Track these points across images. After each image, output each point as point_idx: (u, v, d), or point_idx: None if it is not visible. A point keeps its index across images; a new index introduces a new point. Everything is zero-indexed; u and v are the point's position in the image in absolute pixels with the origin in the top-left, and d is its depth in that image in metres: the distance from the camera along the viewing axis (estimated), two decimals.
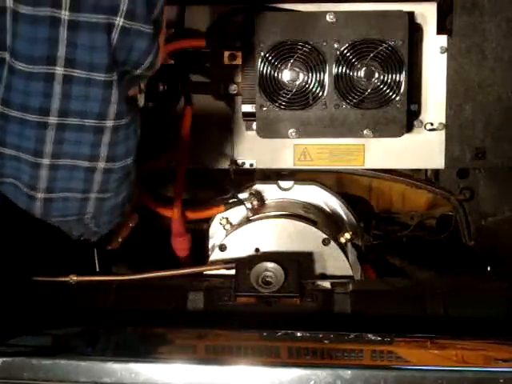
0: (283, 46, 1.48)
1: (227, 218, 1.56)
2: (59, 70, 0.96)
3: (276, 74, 1.49)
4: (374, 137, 1.52)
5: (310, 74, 1.49)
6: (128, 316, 1.29)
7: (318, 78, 1.49)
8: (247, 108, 1.53)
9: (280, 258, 1.34)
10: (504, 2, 1.52)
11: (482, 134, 1.57)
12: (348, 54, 1.48)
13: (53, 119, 0.99)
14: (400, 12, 1.48)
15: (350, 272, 1.46)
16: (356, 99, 1.49)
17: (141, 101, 1.42)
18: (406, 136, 1.54)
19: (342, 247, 1.49)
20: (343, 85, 1.49)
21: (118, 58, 0.99)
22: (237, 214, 1.57)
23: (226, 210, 1.56)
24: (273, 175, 1.66)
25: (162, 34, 1.09)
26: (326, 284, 1.37)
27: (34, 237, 1.36)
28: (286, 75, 1.49)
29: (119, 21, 0.97)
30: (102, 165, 1.04)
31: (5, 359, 1.07)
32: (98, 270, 1.57)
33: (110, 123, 1.01)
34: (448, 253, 1.67)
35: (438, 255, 1.66)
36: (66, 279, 1.32)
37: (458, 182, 1.64)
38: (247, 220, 1.53)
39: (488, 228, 1.63)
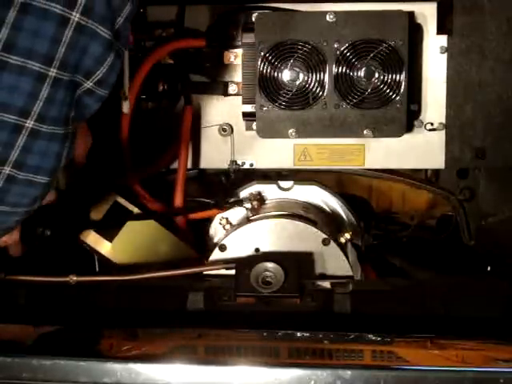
0: (283, 46, 1.48)
1: (227, 218, 1.56)
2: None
3: (276, 74, 1.49)
4: (374, 137, 1.52)
5: (310, 74, 1.49)
6: (128, 316, 1.29)
7: (318, 78, 1.49)
8: (247, 108, 1.53)
9: (280, 258, 1.33)
10: (504, 2, 1.52)
11: (482, 133, 1.57)
12: (348, 54, 1.48)
13: None
14: (400, 12, 1.48)
15: (349, 272, 1.46)
16: (356, 99, 1.49)
17: (125, 108, 1.42)
18: (406, 136, 1.54)
19: (342, 247, 1.49)
20: (343, 85, 1.49)
21: (70, 60, 0.93)
22: (237, 214, 1.57)
23: (226, 210, 1.56)
24: (273, 175, 1.67)
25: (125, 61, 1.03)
26: (326, 284, 1.37)
27: (33, 236, 1.35)
28: (286, 75, 1.49)
29: (75, 16, 0.91)
30: None
31: (4, 359, 1.07)
32: (97, 270, 1.57)
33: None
34: (448, 253, 1.67)
35: (438, 255, 1.66)
36: (66, 279, 1.32)
37: (458, 182, 1.63)
38: (247, 220, 1.53)
39: (488, 228, 1.63)
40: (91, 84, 0.97)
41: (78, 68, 0.95)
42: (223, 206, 1.55)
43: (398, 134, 1.53)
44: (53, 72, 0.92)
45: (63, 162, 1.00)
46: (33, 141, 0.94)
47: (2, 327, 1.22)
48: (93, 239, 1.48)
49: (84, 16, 0.92)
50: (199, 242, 1.59)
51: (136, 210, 1.51)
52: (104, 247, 1.48)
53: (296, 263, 1.34)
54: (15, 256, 1.32)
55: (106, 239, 1.48)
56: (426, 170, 1.66)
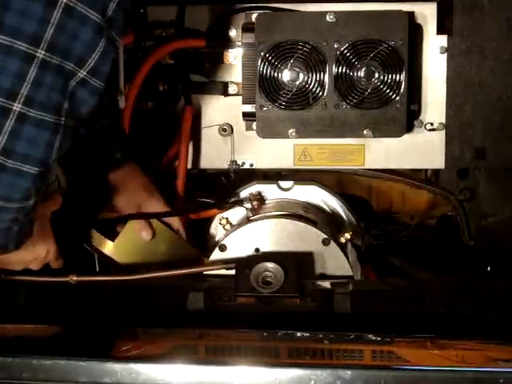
0: (283, 46, 1.48)
1: (227, 218, 1.56)
2: None
3: (276, 74, 1.49)
4: (374, 137, 1.52)
5: (310, 74, 1.49)
6: (128, 316, 1.29)
7: (318, 78, 1.49)
8: (247, 108, 1.53)
9: (280, 258, 1.33)
10: (504, 2, 1.52)
11: (482, 134, 1.57)
12: (348, 54, 1.48)
13: None
14: (400, 12, 1.48)
15: (350, 272, 1.46)
16: (356, 99, 1.49)
17: (121, 103, 1.42)
18: (406, 136, 1.54)
19: (342, 247, 1.49)
20: (343, 85, 1.49)
21: (59, 43, 0.93)
22: (237, 214, 1.57)
23: (226, 210, 1.56)
24: (273, 175, 1.67)
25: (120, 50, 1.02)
26: (326, 284, 1.37)
27: None
28: (286, 75, 1.49)
29: None
30: None
31: (5, 359, 1.07)
32: (97, 269, 1.57)
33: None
34: (448, 253, 1.67)
35: (438, 255, 1.66)
36: (66, 279, 1.32)
37: (458, 182, 1.64)
38: (247, 220, 1.53)
39: (488, 228, 1.63)
40: (84, 73, 0.96)
41: (69, 53, 0.94)
42: (223, 206, 1.55)
43: (398, 134, 1.53)
44: (40, 53, 0.92)
45: (55, 155, 0.98)
46: (20, 126, 0.93)
47: (19, 327, 1.22)
48: (95, 239, 1.48)
49: None
50: (199, 242, 1.59)
51: None
52: (106, 246, 1.48)
53: (296, 263, 1.34)
54: (58, 268, 1.33)
55: (109, 238, 1.48)
56: (426, 170, 1.66)
